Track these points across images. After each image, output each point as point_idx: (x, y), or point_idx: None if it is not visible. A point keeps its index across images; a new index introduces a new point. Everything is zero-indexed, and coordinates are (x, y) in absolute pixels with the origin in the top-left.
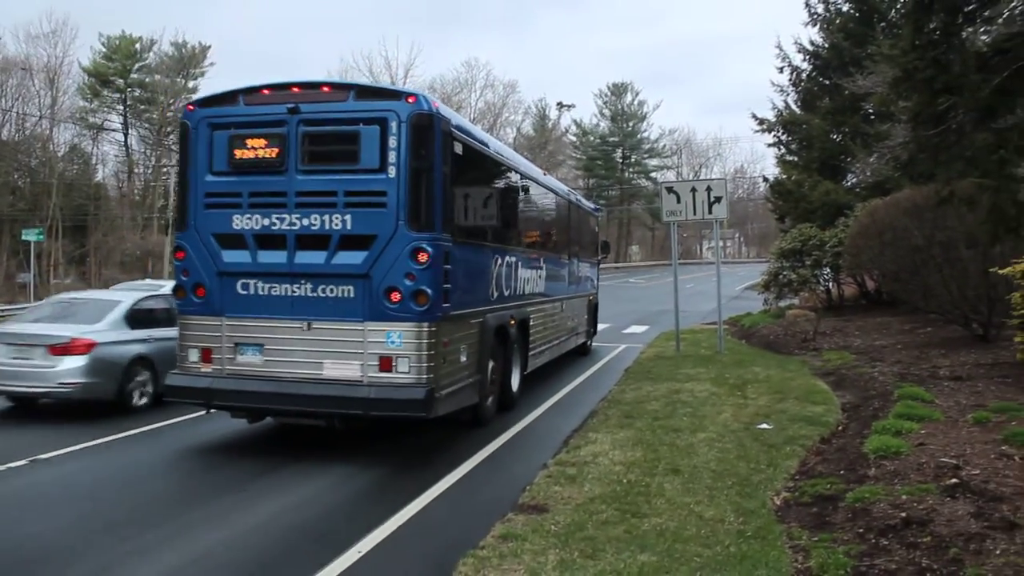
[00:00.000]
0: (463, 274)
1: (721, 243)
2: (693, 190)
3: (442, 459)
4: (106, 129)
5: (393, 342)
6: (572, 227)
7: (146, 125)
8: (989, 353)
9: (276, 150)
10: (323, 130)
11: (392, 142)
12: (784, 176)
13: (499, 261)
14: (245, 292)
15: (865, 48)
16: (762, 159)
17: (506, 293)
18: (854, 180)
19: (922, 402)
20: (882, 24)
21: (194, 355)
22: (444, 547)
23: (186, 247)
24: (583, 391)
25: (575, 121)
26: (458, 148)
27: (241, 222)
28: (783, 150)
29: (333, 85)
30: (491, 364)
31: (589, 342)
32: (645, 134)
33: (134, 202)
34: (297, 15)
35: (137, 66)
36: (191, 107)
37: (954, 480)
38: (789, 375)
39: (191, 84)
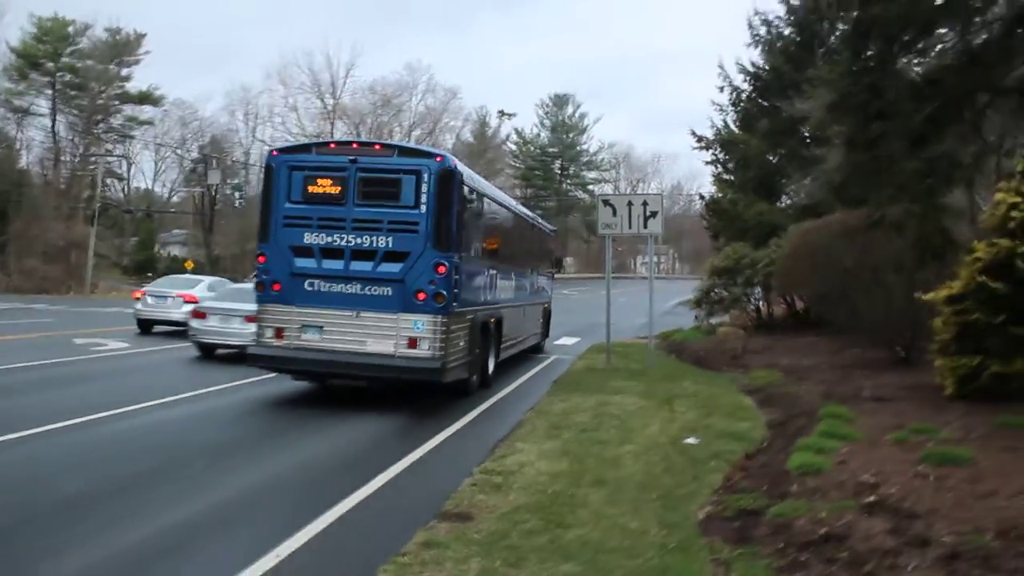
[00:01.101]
0: (465, 282)
1: (656, 258)
2: (629, 204)
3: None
4: (32, 113)
5: (418, 328)
6: (535, 245)
7: (75, 112)
8: (911, 376)
9: (339, 188)
10: (374, 176)
11: (424, 187)
12: (720, 194)
13: (486, 273)
14: (311, 288)
15: (804, 72)
16: (699, 176)
17: (489, 298)
18: (788, 201)
19: (845, 421)
20: (822, 50)
21: (269, 333)
22: (369, 551)
23: (267, 254)
24: (510, 401)
25: (516, 130)
26: (466, 192)
27: (311, 238)
28: (720, 168)
29: (383, 145)
30: (477, 351)
31: (542, 343)
32: (585, 146)
33: (59, 191)
34: (236, 7)
35: (69, 50)
36: (275, 152)
37: (873, 498)
38: (717, 391)
39: (124, 72)
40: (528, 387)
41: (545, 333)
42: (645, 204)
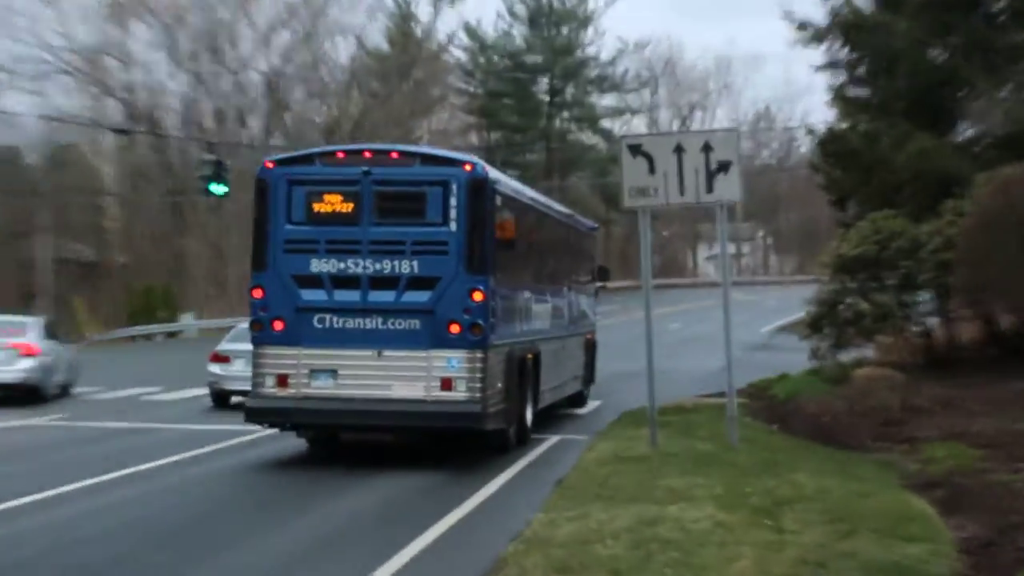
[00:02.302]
0: (502, 309)
1: (732, 248)
2: (679, 150)
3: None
4: None
5: (452, 366)
6: (573, 254)
7: None
8: None
9: (351, 205)
10: (392, 190)
11: (452, 201)
12: (846, 125)
13: (523, 297)
14: (321, 325)
15: None
16: (805, 96)
17: (525, 327)
18: (971, 132)
19: None
20: None
21: (270, 381)
22: None
23: (264, 286)
24: (481, 520)
25: (467, 27)
26: (500, 202)
27: (319, 265)
28: (844, 78)
29: (402, 152)
30: (515, 394)
31: (586, 390)
32: (591, 49)
33: None
34: None
35: None
36: (269, 164)
37: None
38: (860, 487)
39: None
40: (510, 493)
41: (590, 377)
42: (708, 149)
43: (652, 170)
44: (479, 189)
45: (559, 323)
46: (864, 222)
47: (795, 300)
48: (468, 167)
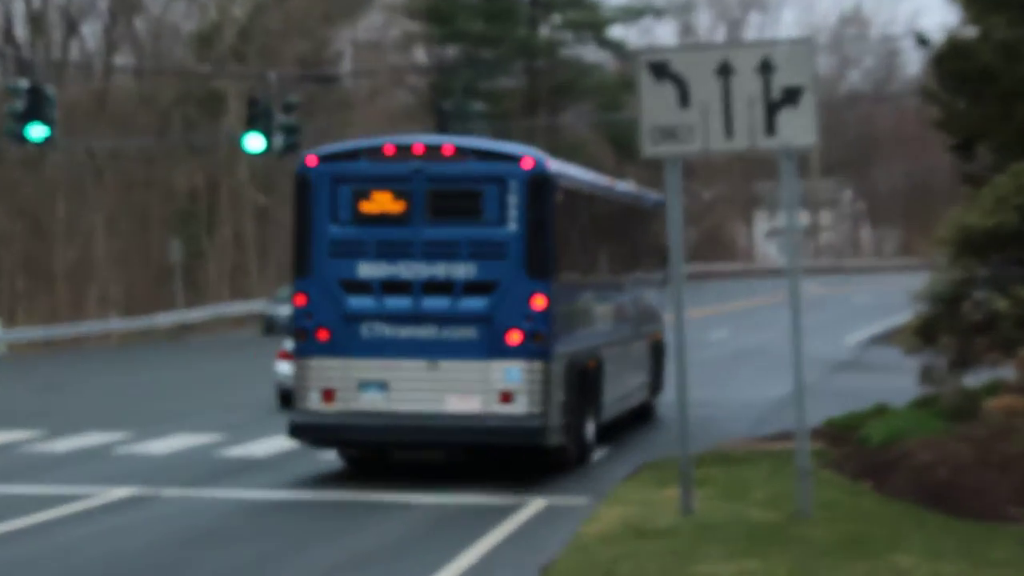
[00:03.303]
0: (563, 315)
1: (805, 219)
2: (725, 71)
3: None
4: None
5: (513, 378)
6: (637, 242)
7: None
8: None
9: (403, 204)
10: (447, 188)
11: (512, 199)
12: (974, 31)
13: (586, 300)
14: (370, 334)
15: None
16: None
17: (588, 333)
18: None
19: None
20: None
21: (315, 395)
22: None
23: (308, 292)
24: None
25: None
26: (562, 198)
27: (368, 269)
28: None
29: (457, 147)
30: (576, 407)
31: (653, 400)
32: None
33: None
34: None
35: None
36: (312, 160)
37: None
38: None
39: None
40: None
41: (657, 384)
42: (768, 69)
43: (685, 102)
44: (541, 186)
45: (623, 325)
46: (1003, 177)
47: (898, 295)
48: (528, 162)
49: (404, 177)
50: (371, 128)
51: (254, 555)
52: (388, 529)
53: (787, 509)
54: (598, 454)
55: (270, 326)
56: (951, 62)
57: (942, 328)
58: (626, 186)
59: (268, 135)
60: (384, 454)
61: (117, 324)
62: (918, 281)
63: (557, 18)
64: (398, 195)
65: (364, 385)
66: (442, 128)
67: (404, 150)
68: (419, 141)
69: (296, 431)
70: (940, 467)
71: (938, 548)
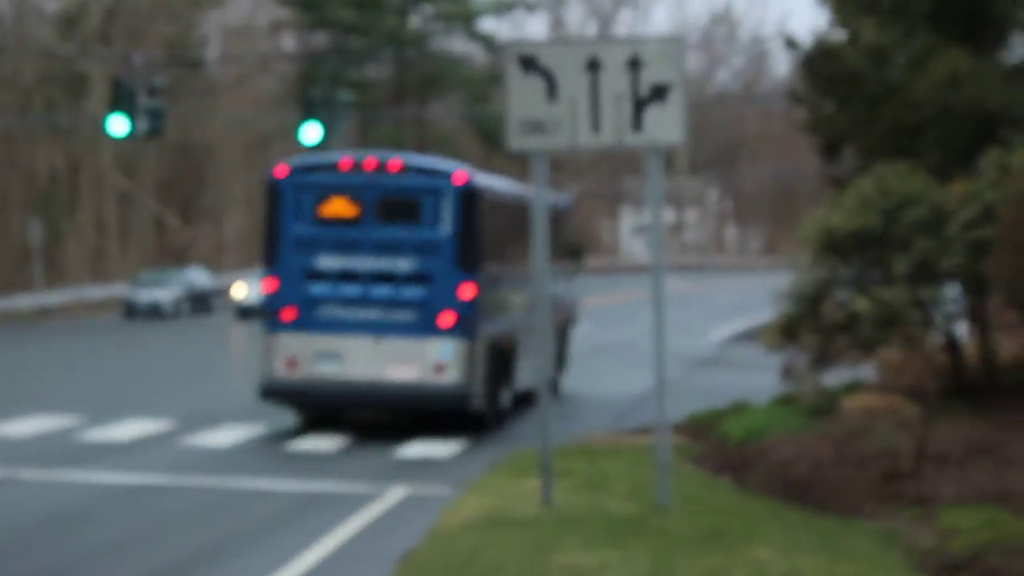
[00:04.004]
0: (486, 303)
1: (671, 216)
2: (594, 66)
3: None
4: None
5: (445, 353)
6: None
7: None
8: None
9: (356, 209)
10: (392, 197)
11: (445, 207)
12: (843, 35)
13: (503, 290)
14: (328, 315)
15: None
16: None
17: (506, 318)
18: None
19: None
20: None
21: (281, 364)
22: None
23: (278, 278)
24: None
25: None
26: (486, 207)
27: (326, 261)
28: None
29: (403, 163)
30: (495, 379)
31: (558, 377)
32: None
33: None
34: None
35: None
36: (281, 171)
37: None
38: (850, 569)
39: None
40: None
41: (562, 363)
42: (637, 65)
43: (553, 95)
44: (468, 197)
45: (530, 312)
46: (866, 180)
47: (761, 294)
48: (459, 177)
49: (357, 187)
50: (238, 113)
51: (109, 541)
52: (247, 516)
53: (647, 502)
54: (456, 445)
55: (131, 310)
56: (819, 65)
57: (804, 327)
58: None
59: (132, 118)
60: (337, 414)
61: None
62: (782, 280)
63: (428, 8)
64: (352, 201)
65: (321, 356)
66: (308, 116)
67: (358, 165)
68: (371, 157)
69: (265, 393)
70: (799, 463)
71: (796, 541)
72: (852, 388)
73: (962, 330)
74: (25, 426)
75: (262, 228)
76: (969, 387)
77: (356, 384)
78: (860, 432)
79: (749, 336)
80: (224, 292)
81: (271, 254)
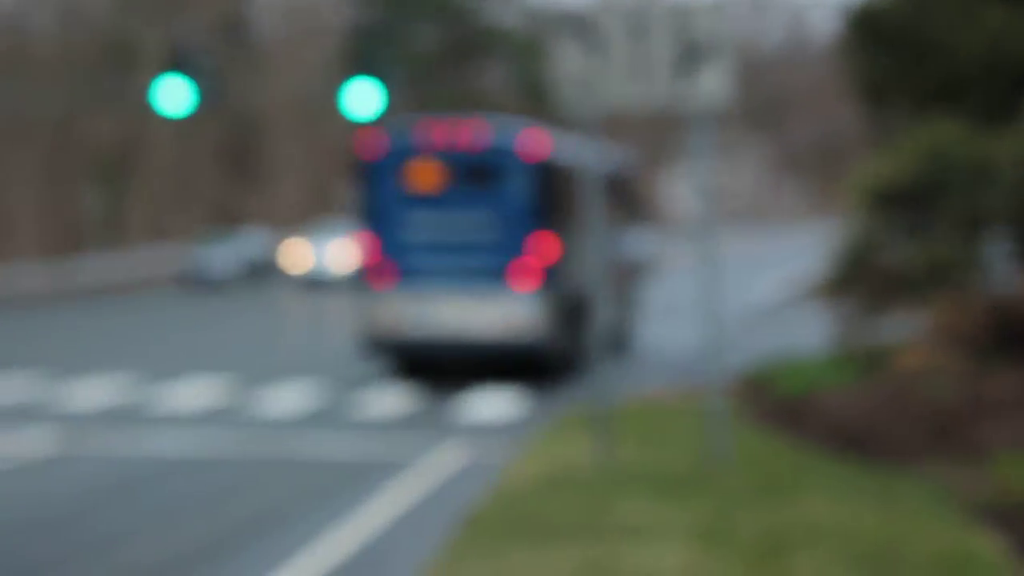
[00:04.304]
0: (565, 260)
1: (720, 175)
2: (637, 28)
3: None
4: None
5: (527, 308)
6: (620, 200)
7: None
8: None
9: (443, 176)
10: (477, 167)
11: (525, 174)
12: None
13: (579, 248)
14: (420, 274)
15: None
16: None
17: (578, 274)
18: None
19: None
20: None
21: (379, 319)
22: None
23: (370, 243)
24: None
25: None
26: (561, 168)
27: (417, 226)
28: None
29: (485, 134)
30: (574, 329)
31: (630, 334)
32: None
33: None
34: None
35: None
36: (371, 143)
37: None
38: (903, 520)
39: None
40: (396, 539)
41: (632, 319)
42: (683, 26)
43: (602, 57)
44: (545, 166)
45: (607, 267)
46: (915, 131)
47: (812, 248)
48: (530, 145)
49: (445, 159)
50: (288, 84)
51: (165, 508)
52: (311, 482)
53: (703, 456)
54: (505, 400)
55: (192, 278)
56: (866, 23)
57: (857, 279)
58: (610, 154)
59: (188, 86)
60: (435, 364)
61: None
62: (832, 233)
63: None
64: (440, 172)
65: (417, 314)
66: (360, 81)
67: (444, 138)
68: (457, 129)
69: (368, 348)
70: (854, 416)
71: (848, 493)
72: (905, 340)
73: (1012, 280)
74: (91, 395)
75: (357, 199)
76: (1019, 336)
77: (449, 337)
78: (914, 384)
79: (803, 291)
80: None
81: (366, 221)
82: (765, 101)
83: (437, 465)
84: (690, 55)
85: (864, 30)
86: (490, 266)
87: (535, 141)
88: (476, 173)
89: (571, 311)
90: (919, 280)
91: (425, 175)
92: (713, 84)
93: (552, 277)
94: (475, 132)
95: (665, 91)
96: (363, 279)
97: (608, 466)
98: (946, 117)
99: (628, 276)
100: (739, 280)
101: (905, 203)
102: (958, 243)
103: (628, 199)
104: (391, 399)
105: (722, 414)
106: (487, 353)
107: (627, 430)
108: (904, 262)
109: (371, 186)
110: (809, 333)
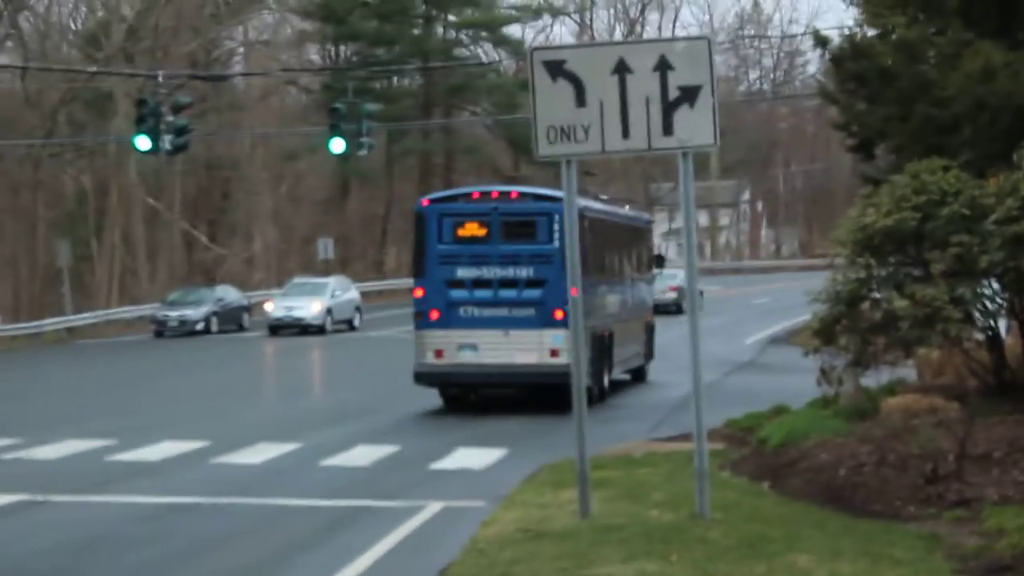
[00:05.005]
0: (590, 299)
1: (703, 220)
2: (622, 69)
3: None
4: None
5: (558, 341)
6: (633, 248)
7: None
8: None
9: (485, 230)
10: (513, 219)
11: (555, 227)
12: (873, 31)
13: (602, 290)
14: (466, 314)
15: None
16: None
17: (603, 312)
18: None
19: None
20: None
21: (430, 354)
22: None
23: (425, 287)
24: None
25: None
26: (587, 224)
27: (463, 272)
28: None
29: (519, 193)
30: (598, 362)
31: (646, 366)
32: None
33: None
34: None
35: None
36: (425, 202)
37: None
38: (888, 574)
39: None
40: None
41: (650, 354)
42: (665, 67)
43: (581, 101)
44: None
45: (626, 309)
46: (901, 177)
47: (797, 296)
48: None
49: (486, 213)
50: (264, 127)
51: (142, 562)
52: (282, 535)
53: (686, 510)
54: (495, 454)
55: (161, 329)
56: (850, 62)
57: (841, 328)
58: (629, 212)
59: (157, 135)
60: (474, 392)
61: (2, 328)
62: (817, 282)
63: (452, 17)
64: (482, 224)
65: (462, 347)
66: (334, 129)
67: (485, 195)
68: (495, 189)
69: (418, 378)
70: (839, 467)
71: (838, 548)
72: (891, 389)
73: (1002, 328)
74: (58, 449)
75: (414, 247)
76: (1010, 385)
77: (489, 367)
78: (900, 434)
79: (786, 338)
80: (254, 308)
81: (419, 268)
82: (750, 144)
83: (413, 515)
84: (676, 94)
85: (845, 71)
86: (525, 302)
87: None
88: (514, 224)
89: (597, 343)
90: (906, 329)
91: (469, 224)
92: (704, 126)
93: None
94: (515, 190)
95: (647, 135)
96: (417, 317)
97: (586, 519)
98: (934, 160)
99: (647, 317)
100: (725, 327)
101: (891, 250)
102: (945, 292)
103: (644, 249)
104: (370, 449)
105: (704, 467)
106: (522, 381)
107: (607, 482)
108: (890, 311)
109: (421, 233)
110: (794, 381)
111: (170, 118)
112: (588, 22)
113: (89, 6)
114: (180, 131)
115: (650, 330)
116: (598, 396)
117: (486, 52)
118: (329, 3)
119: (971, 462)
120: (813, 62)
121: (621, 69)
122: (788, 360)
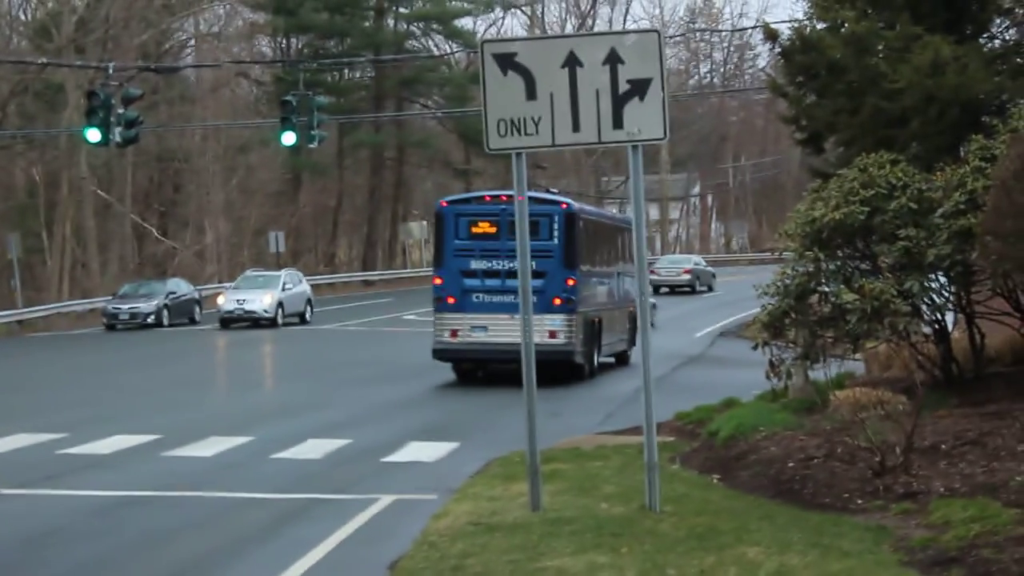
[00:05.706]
0: (582, 290)
1: (653, 213)
2: (572, 62)
3: None
4: None
5: (556, 324)
6: (621, 248)
7: None
8: None
9: (495, 228)
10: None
11: (555, 226)
12: (822, 25)
13: (592, 282)
14: (478, 300)
15: None
16: None
17: (594, 301)
18: (1012, 36)
19: None
20: None
21: (447, 334)
22: None
23: (443, 277)
24: None
25: None
26: (582, 225)
27: (475, 264)
28: None
29: (525, 196)
30: (589, 344)
31: (629, 351)
32: None
33: None
34: None
35: None
36: (444, 203)
37: None
38: (840, 566)
39: None
40: None
41: (632, 340)
42: (615, 60)
43: (531, 94)
44: (571, 220)
45: (612, 299)
46: (849, 171)
47: (746, 289)
48: (564, 205)
49: (496, 213)
50: (215, 119)
51: (94, 556)
52: (234, 528)
53: (637, 503)
54: (446, 447)
55: (112, 322)
56: (800, 56)
57: (790, 322)
58: (618, 215)
59: (108, 127)
60: (483, 368)
61: None
62: (767, 275)
63: (403, 9)
64: (493, 223)
65: (474, 328)
66: (285, 121)
67: (496, 198)
68: (504, 193)
69: (436, 354)
70: (788, 460)
71: (786, 540)
72: (840, 382)
73: (949, 321)
74: (8, 443)
75: (434, 241)
76: (957, 378)
77: (497, 345)
78: (849, 427)
79: (736, 332)
80: (205, 301)
81: (438, 259)
82: (700, 137)
83: (365, 508)
84: (626, 87)
85: (795, 64)
86: (533, 291)
87: (564, 202)
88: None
89: (589, 327)
90: (854, 322)
91: (481, 223)
92: (654, 119)
93: (574, 300)
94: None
95: (597, 128)
96: (436, 301)
97: (539, 513)
98: (882, 154)
99: (631, 307)
100: (675, 320)
101: (839, 244)
102: (893, 285)
103: (629, 248)
104: (321, 442)
105: (653, 460)
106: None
107: (558, 475)
108: (838, 304)
109: (440, 230)
110: (743, 374)
111: (121, 110)
112: (539, 15)
113: None
114: (131, 123)
115: (633, 319)
116: (589, 372)
117: (437, 45)
118: None
119: (918, 455)
120: (763, 56)
121: (571, 62)
122: (738, 353)
